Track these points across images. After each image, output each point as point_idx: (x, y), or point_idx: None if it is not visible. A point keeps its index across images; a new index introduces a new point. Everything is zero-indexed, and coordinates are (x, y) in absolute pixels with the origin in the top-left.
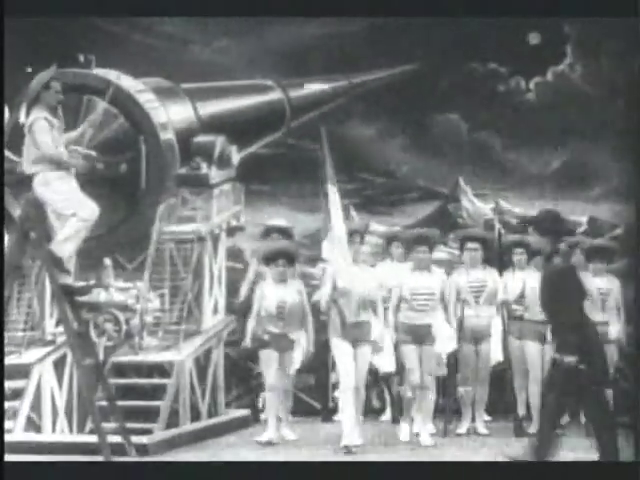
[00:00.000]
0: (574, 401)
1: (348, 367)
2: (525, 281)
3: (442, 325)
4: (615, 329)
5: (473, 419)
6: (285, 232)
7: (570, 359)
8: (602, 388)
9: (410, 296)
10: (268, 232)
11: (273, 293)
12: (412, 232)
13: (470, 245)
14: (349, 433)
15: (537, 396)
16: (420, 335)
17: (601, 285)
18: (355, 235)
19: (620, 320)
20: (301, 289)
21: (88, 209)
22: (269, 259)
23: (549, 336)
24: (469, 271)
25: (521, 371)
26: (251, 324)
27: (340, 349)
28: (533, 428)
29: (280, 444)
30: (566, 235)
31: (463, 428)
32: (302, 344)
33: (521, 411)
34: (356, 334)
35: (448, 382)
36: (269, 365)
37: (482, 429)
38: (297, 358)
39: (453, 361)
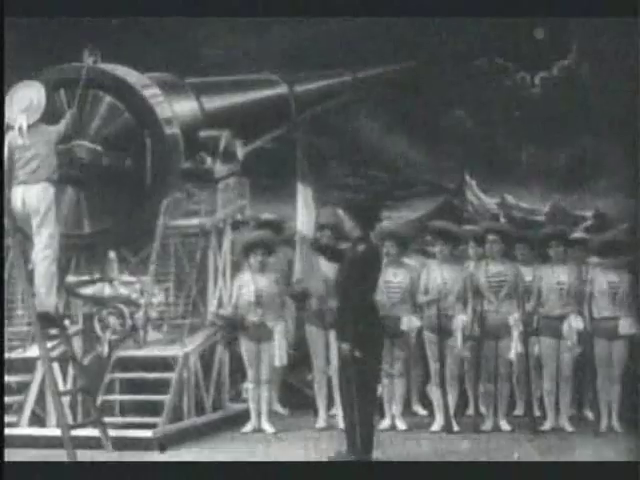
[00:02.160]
0: (347, 390)
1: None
2: (541, 277)
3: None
4: (626, 324)
5: (496, 415)
6: (276, 226)
7: (345, 346)
8: (373, 380)
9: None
10: (258, 226)
11: (251, 282)
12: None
13: (491, 237)
14: (322, 415)
15: (552, 393)
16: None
17: (612, 279)
18: (327, 231)
19: (631, 315)
20: (279, 280)
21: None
22: (247, 249)
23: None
24: (489, 265)
25: (537, 367)
26: (226, 312)
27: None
28: (547, 425)
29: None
30: (375, 224)
31: (487, 425)
32: (282, 335)
33: (536, 408)
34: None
35: (469, 378)
36: (250, 357)
37: (505, 426)
38: (280, 351)
39: (474, 357)
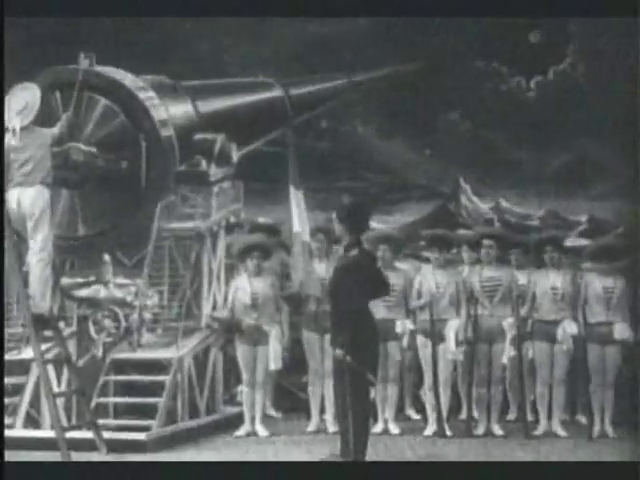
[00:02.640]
0: (341, 395)
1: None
2: (535, 281)
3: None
4: (620, 329)
5: (489, 420)
6: (272, 230)
7: (338, 352)
8: (367, 385)
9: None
10: (255, 229)
11: (247, 285)
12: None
13: (486, 242)
14: (316, 419)
15: (545, 398)
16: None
17: (606, 284)
18: (320, 234)
19: (625, 320)
20: (275, 284)
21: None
22: (244, 252)
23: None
24: (483, 270)
25: (530, 372)
26: (222, 314)
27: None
28: (540, 430)
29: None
30: (367, 230)
31: (480, 430)
32: (277, 339)
33: (529, 413)
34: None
35: (463, 382)
36: (245, 360)
37: (498, 430)
38: (276, 355)
39: (467, 361)
